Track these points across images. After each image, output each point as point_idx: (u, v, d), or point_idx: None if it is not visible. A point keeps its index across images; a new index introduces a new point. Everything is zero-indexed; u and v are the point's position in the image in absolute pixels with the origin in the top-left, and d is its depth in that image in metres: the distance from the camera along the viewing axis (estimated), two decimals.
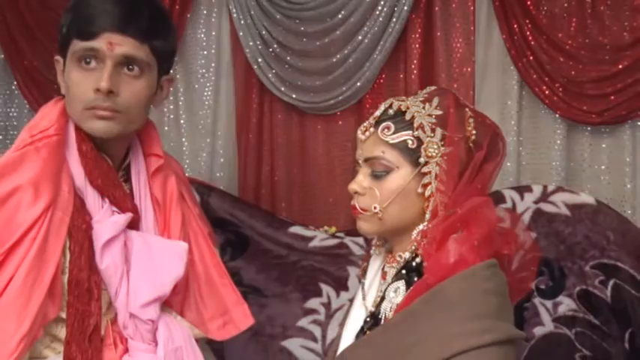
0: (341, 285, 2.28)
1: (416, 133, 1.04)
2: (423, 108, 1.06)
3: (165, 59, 1.22)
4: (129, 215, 1.17)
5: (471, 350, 0.92)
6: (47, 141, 1.14)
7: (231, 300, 1.29)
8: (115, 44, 1.11)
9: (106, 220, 1.15)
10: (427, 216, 1.04)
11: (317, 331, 2.22)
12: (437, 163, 1.03)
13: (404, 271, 1.06)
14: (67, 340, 1.11)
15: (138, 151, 1.25)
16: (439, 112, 1.05)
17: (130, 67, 1.14)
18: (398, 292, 1.04)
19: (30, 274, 1.06)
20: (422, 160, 1.04)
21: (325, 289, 2.27)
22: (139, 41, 1.14)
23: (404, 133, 1.05)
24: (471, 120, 1.07)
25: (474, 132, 1.06)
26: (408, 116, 1.06)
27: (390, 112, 1.08)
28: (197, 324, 1.24)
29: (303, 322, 2.24)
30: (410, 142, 1.04)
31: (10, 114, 2.74)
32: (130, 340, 1.16)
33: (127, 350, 1.16)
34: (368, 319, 1.08)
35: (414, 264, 1.05)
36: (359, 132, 1.11)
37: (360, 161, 1.10)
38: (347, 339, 1.11)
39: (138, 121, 1.20)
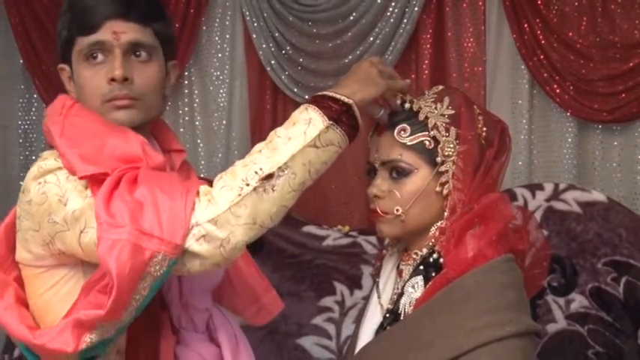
0: (355, 283, 2.29)
1: (432, 133, 1.06)
2: (435, 108, 1.08)
3: (168, 43, 1.19)
4: None
5: (492, 342, 0.94)
6: (76, 106, 1.10)
7: (260, 287, 1.31)
8: (120, 32, 1.08)
9: None
10: (446, 214, 1.05)
11: (331, 328, 2.24)
12: (453, 162, 1.05)
13: (421, 267, 1.08)
14: (129, 337, 1.07)
15: (156, 148, 1.23)
16: (451, 112, 1.07)
17: (138, 53, 1.11)
18: (416, 288, 1.06)
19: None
20: (439, 159, 1.06)
21: (339, 287, 2.29)
22: (142, 25, 1.10)
23: (420, 134, 1.07)
24: (480, 117, 1.09)
25: (484, 129, 1.08)
26: (421, 117, 1.07)
27: (404, 112, 1.09)
28: (234, 312, 1.25)
29: (318, 320, 2.25)
30: (427, 142, 1.06)
31: (29, 118, 2.78)
32: (182, 330, 1.15)
33: (178, 342, 1.15)
34: (387, 315, 1.10)
35: (431, 260, 1.07)
36: (374, 134, 1.13)
37: (377, 165, 1.11)
38: (365, 337, 1.12)
39: (157, 107, 1.17)
